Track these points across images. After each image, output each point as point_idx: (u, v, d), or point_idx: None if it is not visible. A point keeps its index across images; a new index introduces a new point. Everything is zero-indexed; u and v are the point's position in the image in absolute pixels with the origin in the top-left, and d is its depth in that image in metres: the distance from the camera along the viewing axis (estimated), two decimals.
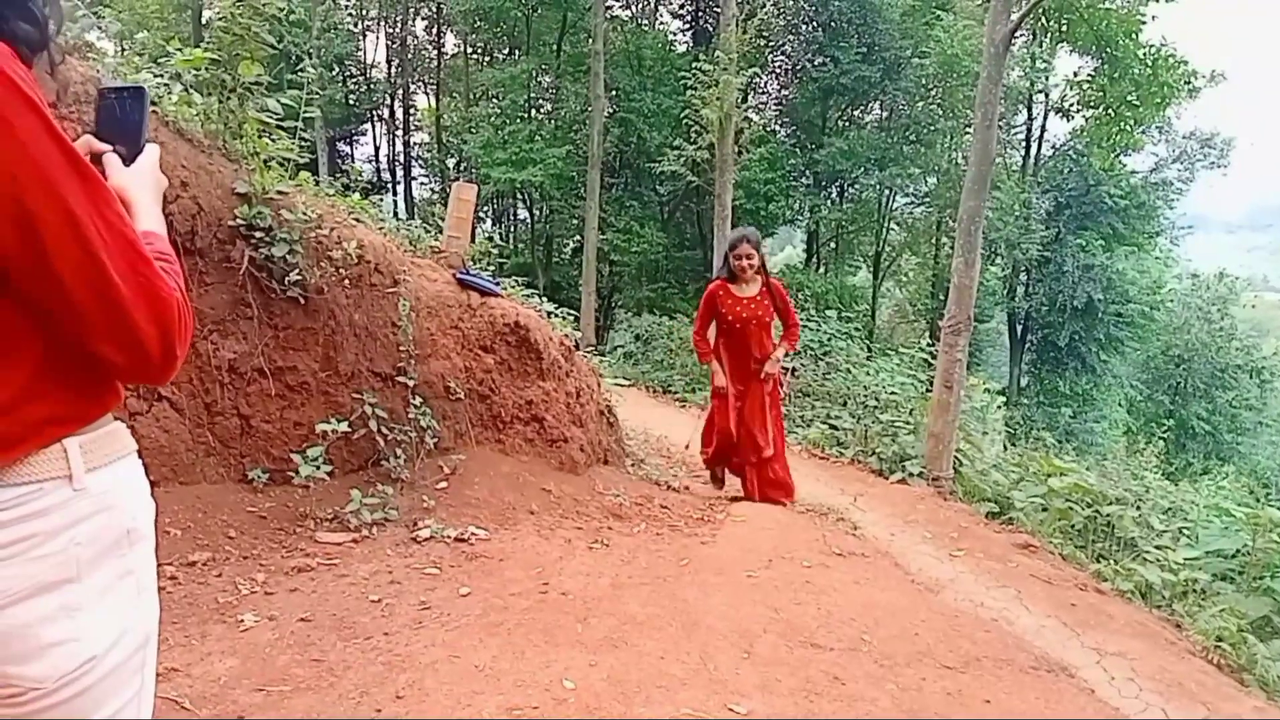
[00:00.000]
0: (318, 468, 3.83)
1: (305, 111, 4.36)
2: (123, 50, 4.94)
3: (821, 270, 22.99)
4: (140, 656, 1.09)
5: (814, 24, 20.85)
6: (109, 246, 0.94)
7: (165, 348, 1.00)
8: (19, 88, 0.89)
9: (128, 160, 1.18)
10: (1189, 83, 19.42)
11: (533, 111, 22.80)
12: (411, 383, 4.30)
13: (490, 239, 6.04)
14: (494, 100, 23.82)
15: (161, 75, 4.00)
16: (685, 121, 14.31)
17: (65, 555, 0.98)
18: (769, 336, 5.73)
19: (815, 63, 20.49)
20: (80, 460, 1.00)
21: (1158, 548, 5.64)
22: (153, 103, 3.73)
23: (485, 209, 24.51)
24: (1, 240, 0.89)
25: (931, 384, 8.21)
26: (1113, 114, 19.12)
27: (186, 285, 1.07)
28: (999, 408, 15.64)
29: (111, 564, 1.04)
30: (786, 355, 5.84)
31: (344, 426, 3.91)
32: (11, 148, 0.88)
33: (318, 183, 4.73)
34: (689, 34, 23.71)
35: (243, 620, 2.92)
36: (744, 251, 5.57)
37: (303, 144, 4.35)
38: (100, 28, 4.66)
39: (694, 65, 12.40)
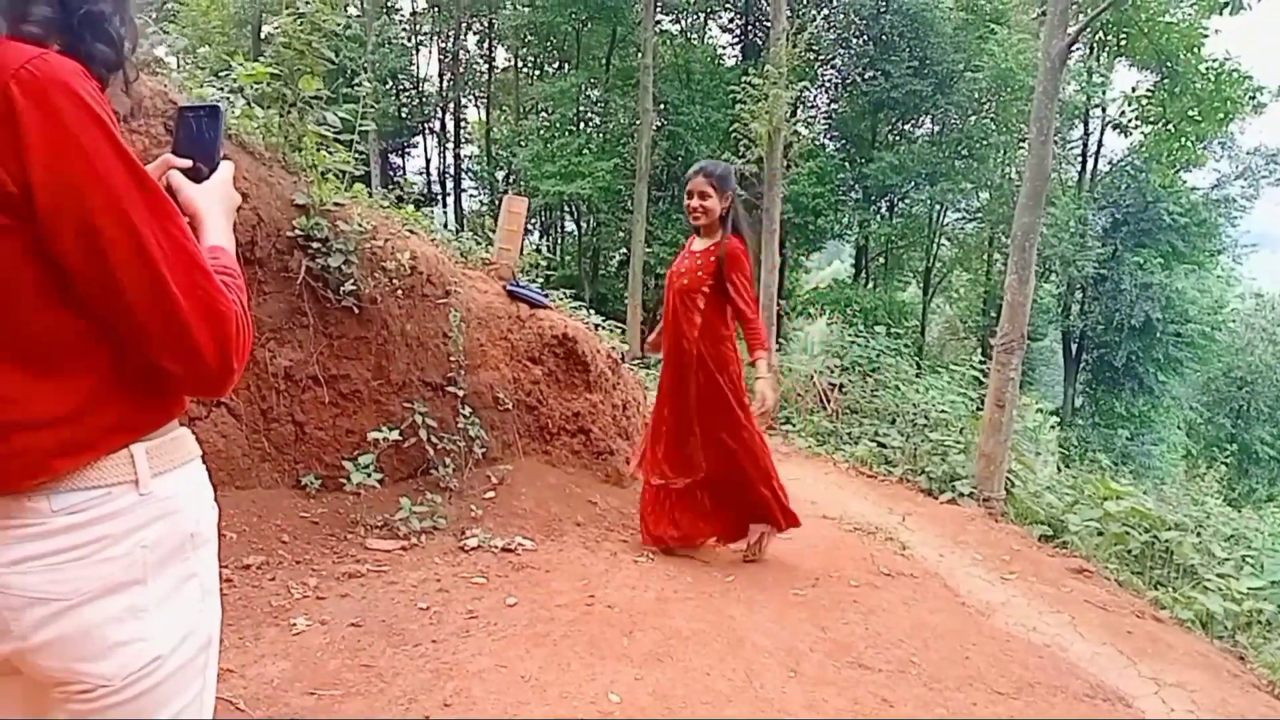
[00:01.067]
0: (369, 475, 3.89)
1: (361, 125, 4.44)
2: (180, 65, 5.09)
3: (870, 285, 22.79)
4: (203, 657, 1.12)
5: (865, 38, 20.76)
6: (170, 260, 0.97)
7: (223, 360, 1.02)
8: (87, 104, 0.92)
9: (204, 176, 1.20)
10: (1253, 97, 18.90)
11: (581, 125, 23.00)
12: (461, 393, 4.34)
13: (538, 251, 6.10)
14: (543, 113, 24.09)
15: (224, 89, 4.12)
16: (733, 135, 14.30)
17: (132, 558, 1.01)
18: (694, 311, 4.07)
19: (866, 76, 20.39)
20: (146, 465, 1.03)
21: (1219, 576, 5.46)
22: None
23: (533, 221, 24.73)
24: (67, 252, 0.93)
25: (983, 402, 8.07)
26: (1173, 129, 18.69)
27: (248, 297, 1.09)
28: (1052, 428, 15.35)
29: (176, 567, 1.07)
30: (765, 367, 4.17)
31: (395, 435, 3.96)
32: (78, 163, 0.91)
33: (370, 194, 4.81)
34: (738, 48, 23.76)
35: (295, 624, 2.96)
36: (695, 187, 4.02)
37: (358, 156, 4.44)
38: (168, 45, 4.81)
39: (743, 79, 12.39)
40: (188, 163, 1.19)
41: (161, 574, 1.04)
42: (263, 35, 21.52)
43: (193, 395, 1.12)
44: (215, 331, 1.00)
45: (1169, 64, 18.38)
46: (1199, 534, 6.45)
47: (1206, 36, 18.20)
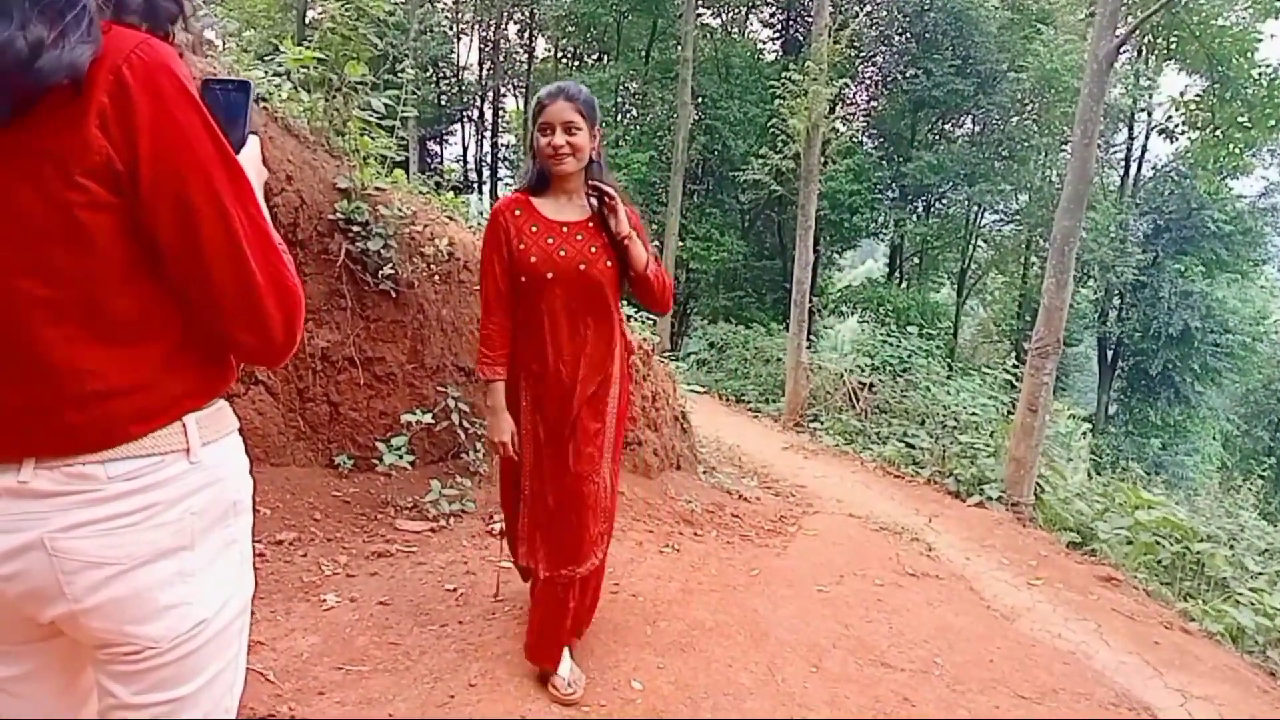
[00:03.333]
0: (400, 457, 3.95)
1: (403, 111, 4.49)
2: (226, 47, 5.16)
3: (904, 285, 22.56)
4: (240, 621, 1.17)
5: (907, 35, 20.49)
6: (250, 237, 1.02)
7: (288, 332, 1.08)
8: (186, 88, 0.97)
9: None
10: None
11: (619, 116, 22.96)
12: None
13: None
14: None
15: (269, 73, 4.19)
16: (771, 130, 14.24)
17: (181, 524, 1.05)
18: (614, 310, 2.74)
19: (907, 74, 20.12)
20: (197, 435, 1.07)
21: (1252, 590, 5.38)
22: (263, 99, 3.90)
23: None
24: (162, 227, 0.97)
25: (1014, 406, 8.01)
26: (1221, 136, 18.28)
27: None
28: (1084, 435, 15.14)
29: (219, 533, 1.11)
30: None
31: (427, 418, 4.02)
32: (179, 143, 0.96)
33: (409, 180, 4.86)
34: (778, 43, 23.59)
35: (325, 600, 3.02)
36: (558, 116, 2.54)
37: (399, 142, 4.49)
38: (216, 27, 4.88)
39: (783, 75, 12.35)
40: None
41: (207, 540, 1.08)
42: (306, 20, 21.70)
43: (257, 364, 1.17)
44: (283, 305, 1.06)
45: (1220, 68, 17.97)
46: (1232, 547, 6.36)
47: (1260, 41, 17.77)
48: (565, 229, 2.63)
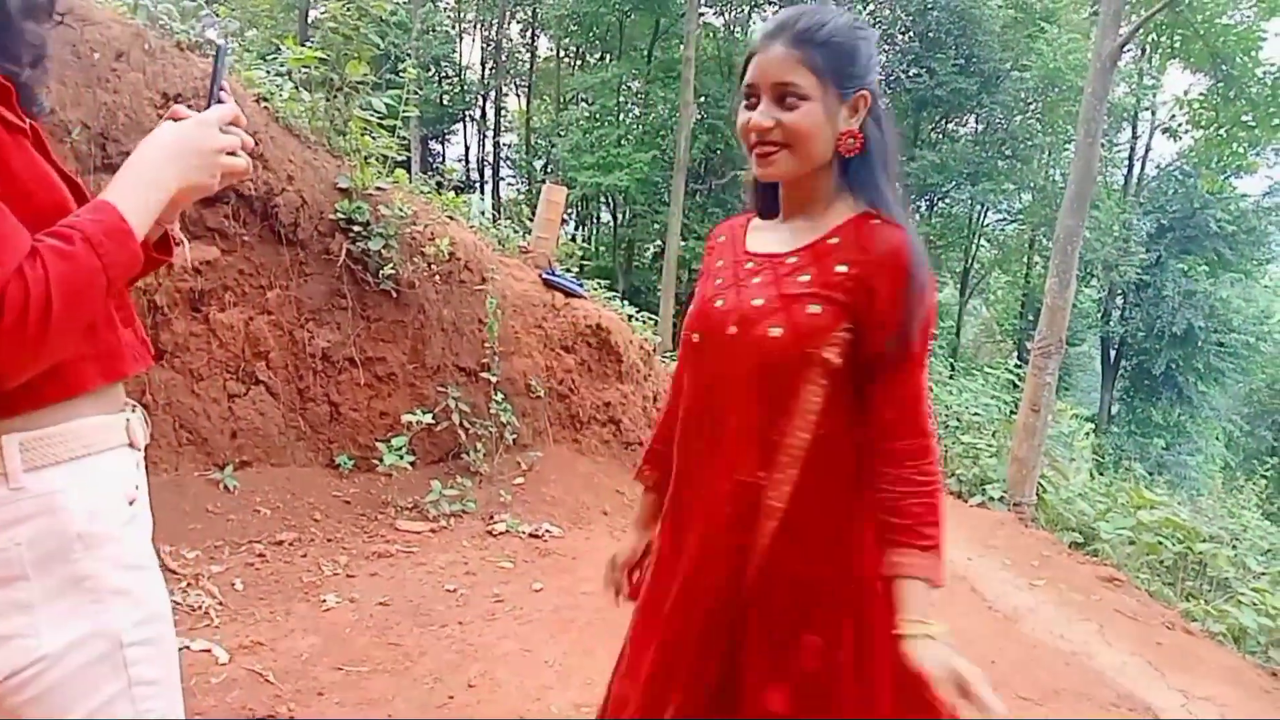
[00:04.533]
0: (401, 457, 3.95)
1: (404, 111, 4.49)
2: (227, 47, 5.16)
3: None
4: (118, 657, 1.02)
5: (910, 34, 20.48)
6: None
7: None
8: None
9: None
10: None
11: (621, 116, 22.94)
12: (494, 379, 4.38)
13: (574, 240, 6.13)
14: (584, 104, 24.09)
15: (271, 72, 4.19)
16: None
17: (7, 554, 0.94)
18: (795, 409, 1.28)
19: (910, 74, 20.11)
20: (18, 459, 0.95)
21: (1254, 590, 5.36)
22: (264, 99, 3.90)
23: (569, 212, 24.75)
24: None
25: (1017, 406, 8.00)
26: (1225, 134, 18.25)
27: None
28: (1087, 435, 15.11)
29: (62, 568, 0.98)
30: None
31: (428, 418, 4.02)
32: None
33: (410, 180, 4.86)
34: None
35: (325, 600, 3.02)
36: (763, 74, 1.29)
37: (400, 142, 4.49)
38: (217, 27, 4.88)
39: None
40: (184, 109, 1.09)
41: (45, 573, 0.96)
42: (309, 20, 21.72)
43: None
44: None
45: (1224, 67, 17.92)
46: (1235, 547, 6.35)
47: (1264, 40, 17.72)
48: (770, 261, 1.39)
